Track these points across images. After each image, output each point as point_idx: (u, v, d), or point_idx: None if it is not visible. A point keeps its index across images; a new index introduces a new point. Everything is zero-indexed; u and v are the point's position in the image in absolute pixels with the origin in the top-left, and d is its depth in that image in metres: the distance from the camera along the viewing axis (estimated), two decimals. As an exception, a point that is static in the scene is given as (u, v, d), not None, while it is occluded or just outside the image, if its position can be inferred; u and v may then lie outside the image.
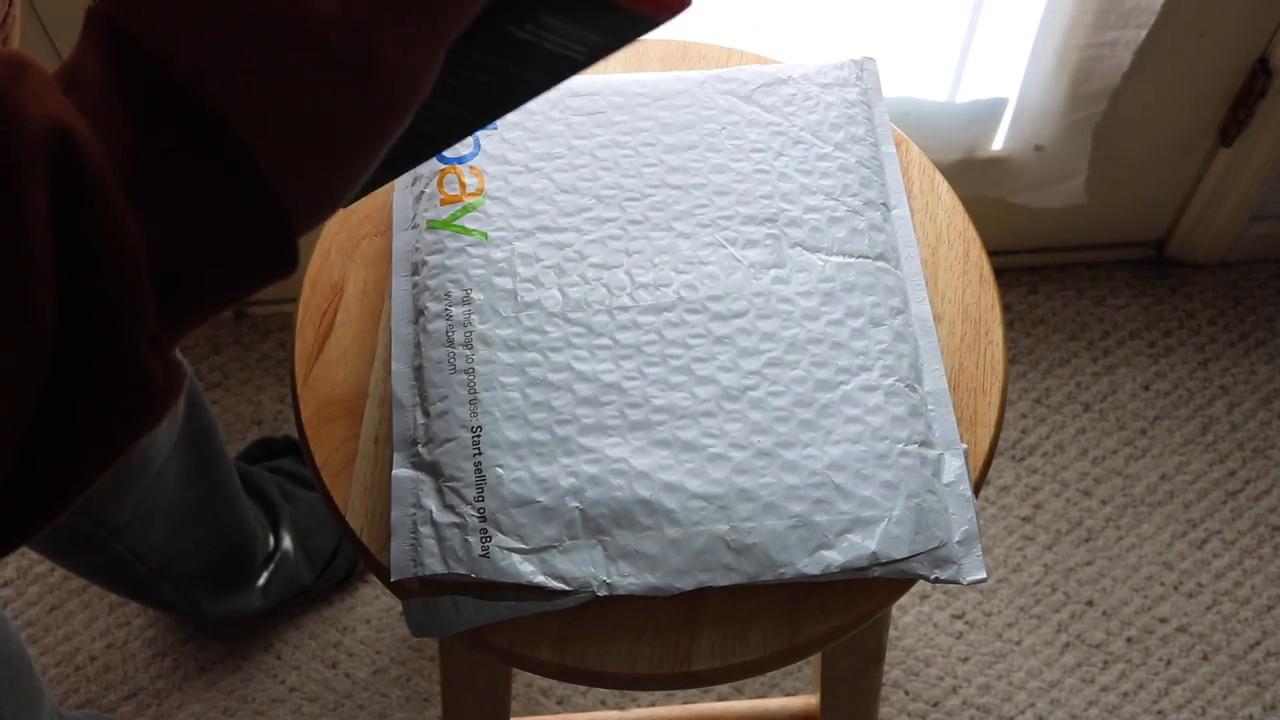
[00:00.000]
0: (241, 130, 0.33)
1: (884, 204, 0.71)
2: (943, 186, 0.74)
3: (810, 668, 1.18)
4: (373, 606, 1.26)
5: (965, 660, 1.24)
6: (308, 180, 0.35)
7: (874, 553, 0.60)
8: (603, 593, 0.59)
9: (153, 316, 0.33)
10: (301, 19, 0.34)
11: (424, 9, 0.36)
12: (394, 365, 0.65)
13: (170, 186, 0.33)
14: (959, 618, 1.26)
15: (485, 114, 0.47)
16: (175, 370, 0.35)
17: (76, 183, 0.31)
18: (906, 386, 0.64)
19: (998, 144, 1.26)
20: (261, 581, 1.18)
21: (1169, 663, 1.24)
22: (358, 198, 0.44)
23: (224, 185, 0.34)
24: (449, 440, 0.62)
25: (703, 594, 0.61)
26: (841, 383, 0.64)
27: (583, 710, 1.21)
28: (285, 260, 0.35)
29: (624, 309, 0.65)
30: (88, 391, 0.33)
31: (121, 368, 0.33)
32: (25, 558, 1.28)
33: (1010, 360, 1.38)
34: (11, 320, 0.31)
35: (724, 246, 0.67)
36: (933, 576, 0.60)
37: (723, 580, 0.59)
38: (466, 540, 0.59)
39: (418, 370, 0.64)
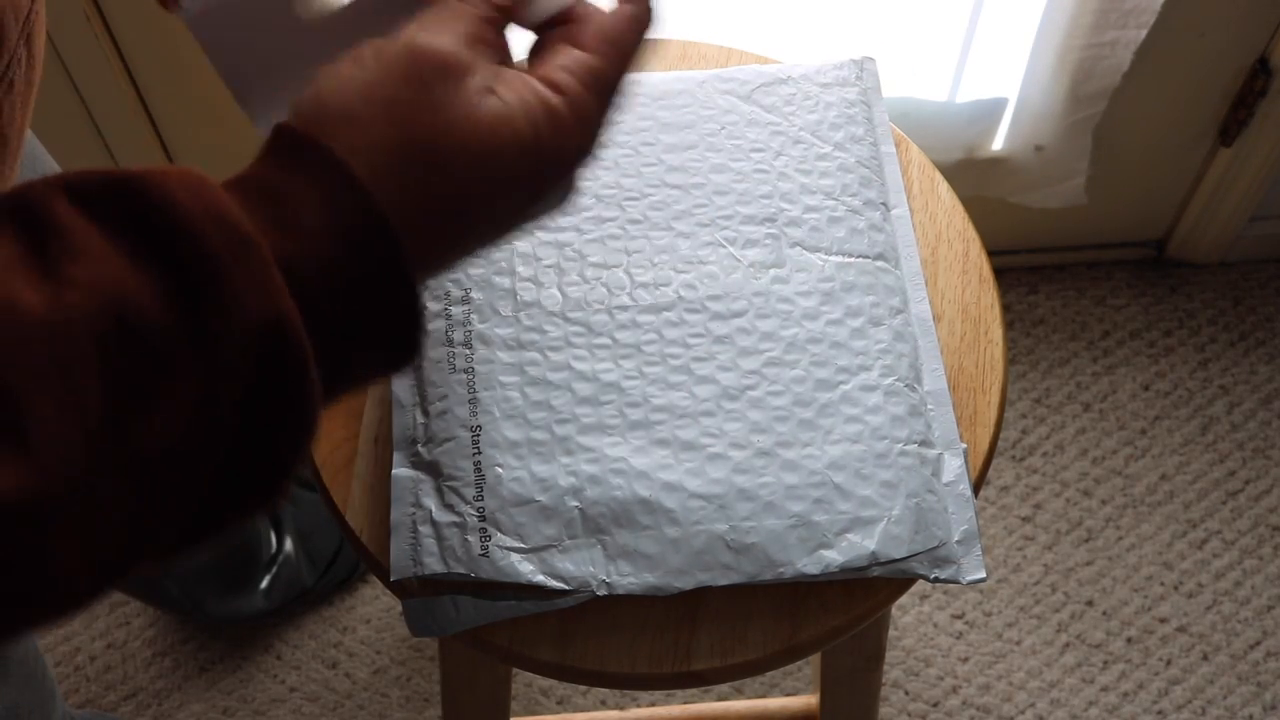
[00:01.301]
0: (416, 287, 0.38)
1: (884, 204, 0.71)
2: (943, 186, 0.74)
3: (810, 668, 1.18)
4: (373, 606, 1.26)
5: (965, 660, 1.24)
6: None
7: (873, 552, 0.60)
8: (602, 592, 0.59)
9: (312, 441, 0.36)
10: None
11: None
12: (394, 365, 0.65)
13: (352, 328, 0.37)
14: (959, 618, 1.26)
15: None
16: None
17: (282, 375, 0.34)
18: (906, 386, 0.64)
19: (998, 144, 1.26)
20: (264, 584, 1.18)
21: (1169, 663, 1.24)
22: None
23: (393, 328, 0.38)
24: (448, 439, 0.62)
25: (702, 594, 0.61)
26: (841, 382, 0.64)
27: (583, 710, 1.21)
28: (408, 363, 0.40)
29: (623, 308, 0.65)
30: (249, 489, 0.35)
31: (281, 481, 0.36)
32: (25, 558, 1.28)
33: (1010, 360, 1.38)
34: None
35: (723, 246, 0.67)
36: (932, 576, 0.60)
37: (722, 580, 0.59)
38: (466, 540, 0.59)
39: (417, 370, 0.64)
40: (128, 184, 0.32)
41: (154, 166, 0.34)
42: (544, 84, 0.41)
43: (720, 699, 1.20)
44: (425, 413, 0.63)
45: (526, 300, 0.65)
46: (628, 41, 0.43)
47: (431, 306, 0.65)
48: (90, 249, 0.31)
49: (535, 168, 0.41)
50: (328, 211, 0.35)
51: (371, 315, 0.37)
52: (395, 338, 0.38)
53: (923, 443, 0.63)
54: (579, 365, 0.63)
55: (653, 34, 0.45)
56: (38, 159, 0.75)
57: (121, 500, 0.31)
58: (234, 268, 0.32)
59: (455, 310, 0.65)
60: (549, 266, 0.66)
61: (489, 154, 0.39)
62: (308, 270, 0.35)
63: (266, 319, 0.33)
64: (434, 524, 0.60)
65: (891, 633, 1.24)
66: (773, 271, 0.67)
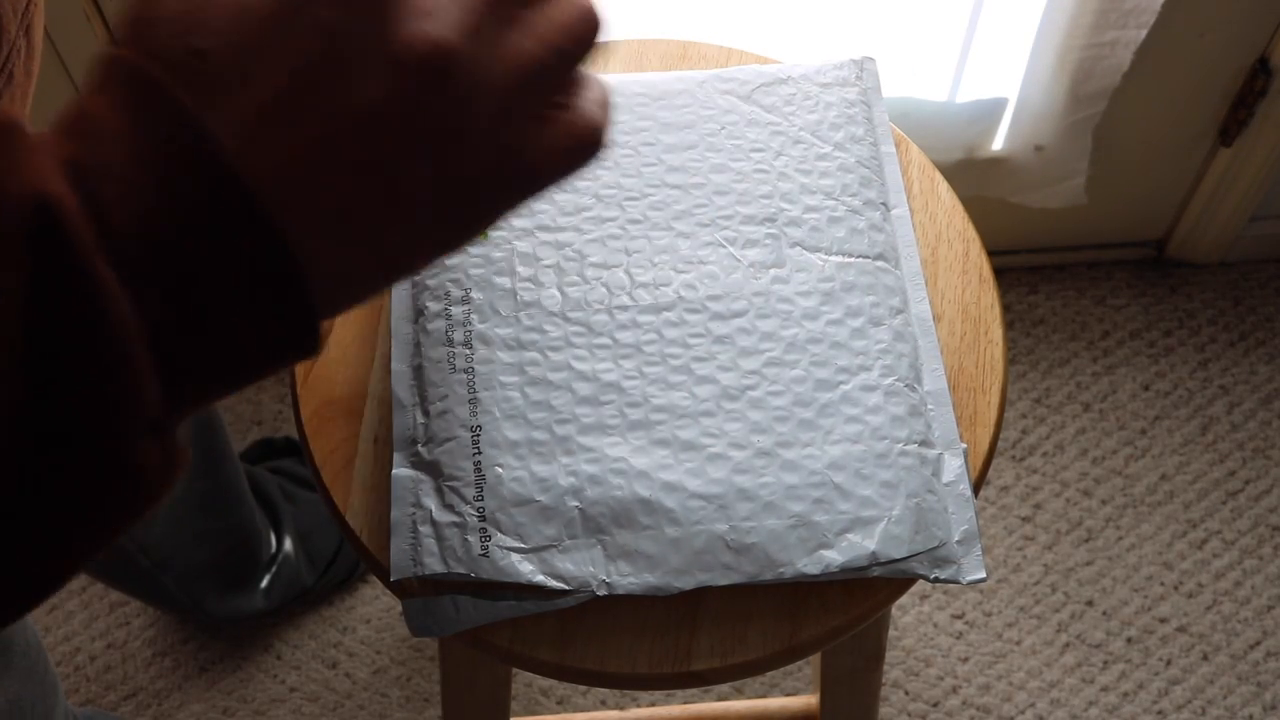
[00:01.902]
0: (285, 232, 0.31)
1: (884, 204, 0.71)
2: (943, 186, 0.74)
3: (810, 668, 1.18)
4: (373, 606, 1.26)
5: (965, 660, 1.24)
6: (343, 277, 0.33)
7: (874, 552, 0.60)
8: (602, 592, 0.59)
9: (152, 401, 0.30)
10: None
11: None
12: (394, 365, 0.65)
13: (184, 262, 0.30)
14: (959, 618, 1.26)
15: None
16: (175, 454, 0.32)
17: (58, 263, 0.28)
18: (906, 386, 0.64)
19: (998, 144, 1.26)
20: (264, 583, 1.18)
21: (1169, 663, 1.24)
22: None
23: (248, 273, 0.31)
24: (448, 440, 0.62)
25: (702, 594, 0.61)
26: (841, 382, 0.64)
27: (583, 710, 1.21)
28: (308, 347, 0.33)
29: (623, 308, 0.65)
30: (73, 482, 0.30)
31: (108, 458, 0.30)
32: (25, 558, 1.28)
33: (1010, 360, 1.38)
34: None
35: (723, 246, 0.67)
36: (932, 576, 0.60)
37: (722, 580, 0.59)
38: (466, 539, 0.59)
39: (417, 370, 0.64)
40: None
41: None
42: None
43: (720, 699, 1.20)
44: (425, 413, 0.63)
45: (526, 300, 0.65)
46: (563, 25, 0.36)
47: (432, 306, 0.65)
48: None
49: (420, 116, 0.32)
50: (128, 118, 0.30)
51: (208, 240, 0.30)
52: (265, 286, 0.31)
53: (923, 443, 0.63)
54: (579, 365, 0.63)
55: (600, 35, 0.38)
56: None
57: None
58: None
59: (455, 310, 0.65)
60: (549, 266, 0.66)
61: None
62: (99, 171, 0.29)
63: (27, 199, 0.28)
64: (434, 524, 0.60)
65: (891, 633, 1.24)
66: (773, 271, 0.67)
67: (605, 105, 0.39)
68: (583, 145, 0.39)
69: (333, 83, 0.32)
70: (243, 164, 0.30)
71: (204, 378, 0.32)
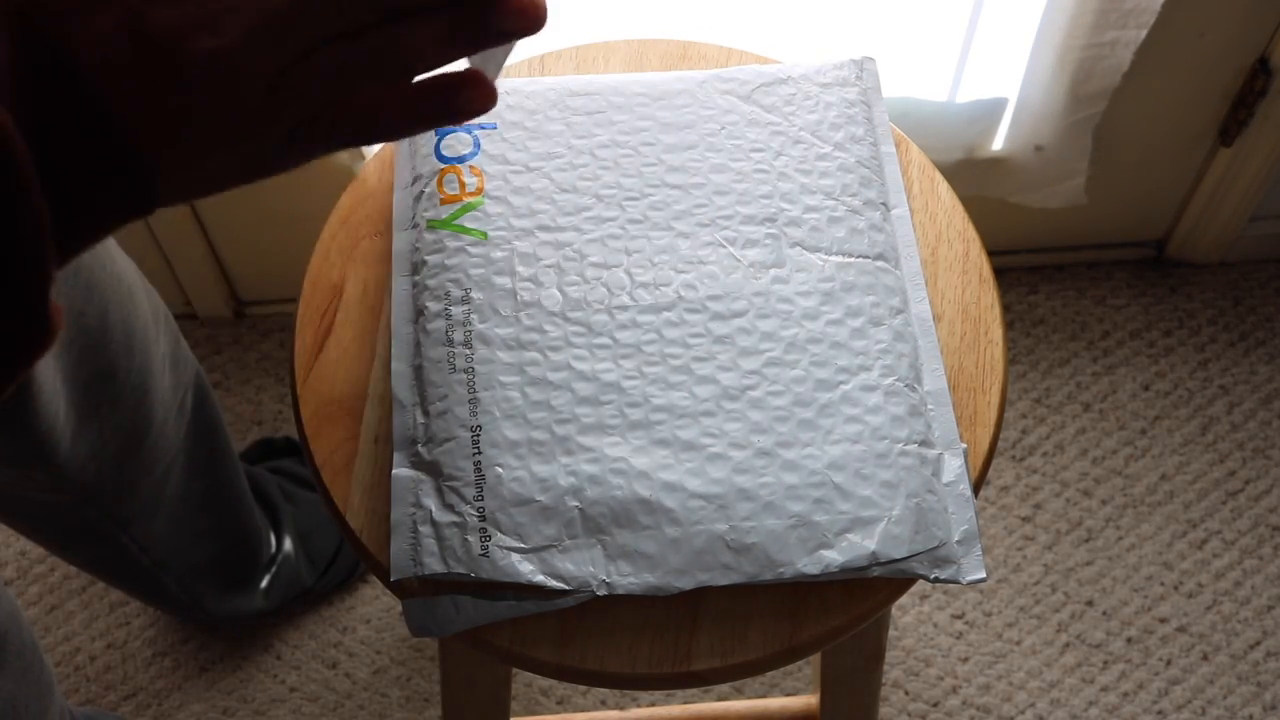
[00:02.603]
0: (130, 135, 0.39)
1: (884, 204, 0.71)
2: (943, 186, 0.74)
3: (810, 668, 1.18)
4: (373, 606, 1.26)
5: (965, 660, 1.24)
6: (185, 182, 0.42)
7: (874, 552, 0.60)
8: (602, 592, 0.59)
9: (54, 266, 0.38)
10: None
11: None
12: (394, 365, 0.65)
13: (65, 168, 0.38)
14: (959, 618, 1.26)
15: None
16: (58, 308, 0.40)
17: (4, 172, 0.35)
18: (906, 386, 0.64)
19: (998, 144, 1.26)
20: (264, 583, 1.18)
21: (1169, 663, 1.24)
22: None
23: (106, 172, 0.39)
24: (448, 440, 0.62)
25: (702, 594, 0.61)
26: (841, 382, 0.64)
27: (583, 710, 1.21)
28: (143, 206, 0.41)
29: (623, 308, 0.65)
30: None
31: (33, 313, 0.37)
32: (25, 558, 1.28)
33: (1010, 360, 1.38)
34: None
35: (723, 246, 0.67)
36: (932, 576, 0.60)
37: (722, 580, 0.59)
38: (466, 539, 0.60)
39: (417, 370, 0.64)
40: None
41: None
42: None
43: (720, 699, 1.20)
44: (425, 413, 0.63)
45: (526, 300, 0.65)
46: None
47: (431, 306, 0.65)
48: None
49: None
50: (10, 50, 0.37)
51: (67, 133, 0.38)
52: (105, 160, 0.38)
53: (923, 443, 0.63)
54: (579, 365, 0.63)
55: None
56: None
57: None
58: None
59: (455, 310, 0.65)
60: (549, 266, 0.66)
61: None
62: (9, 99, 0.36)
63: None
64: (434, 524, 0.60)
65: (891, 633, 1.24)
66: (773, 271, 0.67)
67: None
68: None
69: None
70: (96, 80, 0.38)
71: (75, 246, 0.40)
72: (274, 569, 1.18)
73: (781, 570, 0.60)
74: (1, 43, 0.37)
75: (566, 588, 0.59)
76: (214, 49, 0.39)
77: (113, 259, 0.84)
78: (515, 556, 0.59)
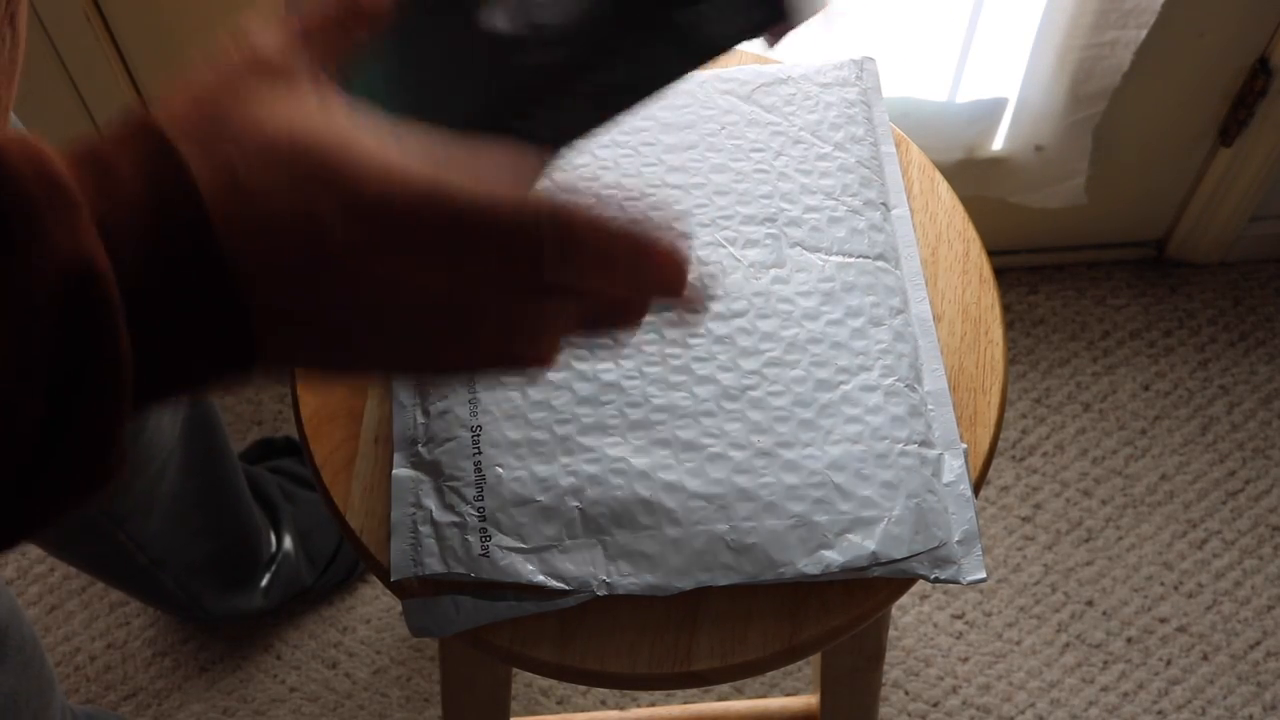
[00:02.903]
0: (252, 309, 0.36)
1: (884, 204, 0.71)
2: (943, 186, 0.74)
3: (810, 668, 1.18)
4: (373, 606, 1.26)
5: (965, 660, 1.24)
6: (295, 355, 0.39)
7: (874, 552, 0.60)
8: (602, 592, 0.59)
9: (129, 414, 0.35)
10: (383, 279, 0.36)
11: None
12: (394, 365, 0.65)
13: (169, 329, 0.35)
14: (959, 618, 1.26)
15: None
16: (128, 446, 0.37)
17: (89, 323, 0.33)
18: (906, 386, 0.64)
19: (998, 144, 1.26)
20: (264, 583, 1.18)
21: (1169, 663, 1.24)
22: None
23: (217, 340, 0.36)
24: (449, 440, 0.62)
25: (702, 594, 0.61)
26: (841, 382, 0.64)
27: (583, 710, 1.21)
28: (245, 365, 0.37)
29: (624, 309, 0.65)
30: (65, 464, 0.34)
31: (100, 454, 0.35)
32: (25, 557, 1.28)
33: (1010, 360, 1.38)
34: None
35: (724, 246, 0.67)
36: (932, 576, 0.60)
37: (722, 580, 0.59)
38: (466, 539, 0.59)
39: (417, 370, 0.64)
40: None
41: None
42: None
43: (720, 699, 1.20)
44: (426, 413, 0.63)
45: (527, 300, 0.65)
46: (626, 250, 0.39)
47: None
48: None
49: (448, 245, 0.37)
50: (144, 182, 0.34)
51: (187, 301, 0.35)
52: (218, 341, 0.36)
53: (923, 443, 0.63)
54: (579, 365, 0.63)
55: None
56: None
57: None
58: (45, 209, 0.32)
59: (455, 310, 0.65)
60: (549, 266, 0.66)
61: (381, 193, 0.36)
62: (121, 235, 0.34)
63: (75, 261, 0.32)
64: (434, 524, 0.60)
65: (891, 633, 1.24)
66: (773, 272, 0.67)
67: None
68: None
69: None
70: (227, 243, 0.35)
71: (161, 400, 0.37)
72: (274, 568, 1.18)
73: (782, 570, 0.60)
74: (143, 177, 0.35)
75: (567, 588, 0.59)
76: (385, 278, 0.36)
77: None
78: (515, 556, 0.59)
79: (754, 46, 0.50)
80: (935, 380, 0.66)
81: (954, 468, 0.63)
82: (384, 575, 0.62)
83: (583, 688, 1.22)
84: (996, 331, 0.69)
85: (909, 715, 1.22)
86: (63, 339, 0.32)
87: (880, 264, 0.68)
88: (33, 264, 0.32)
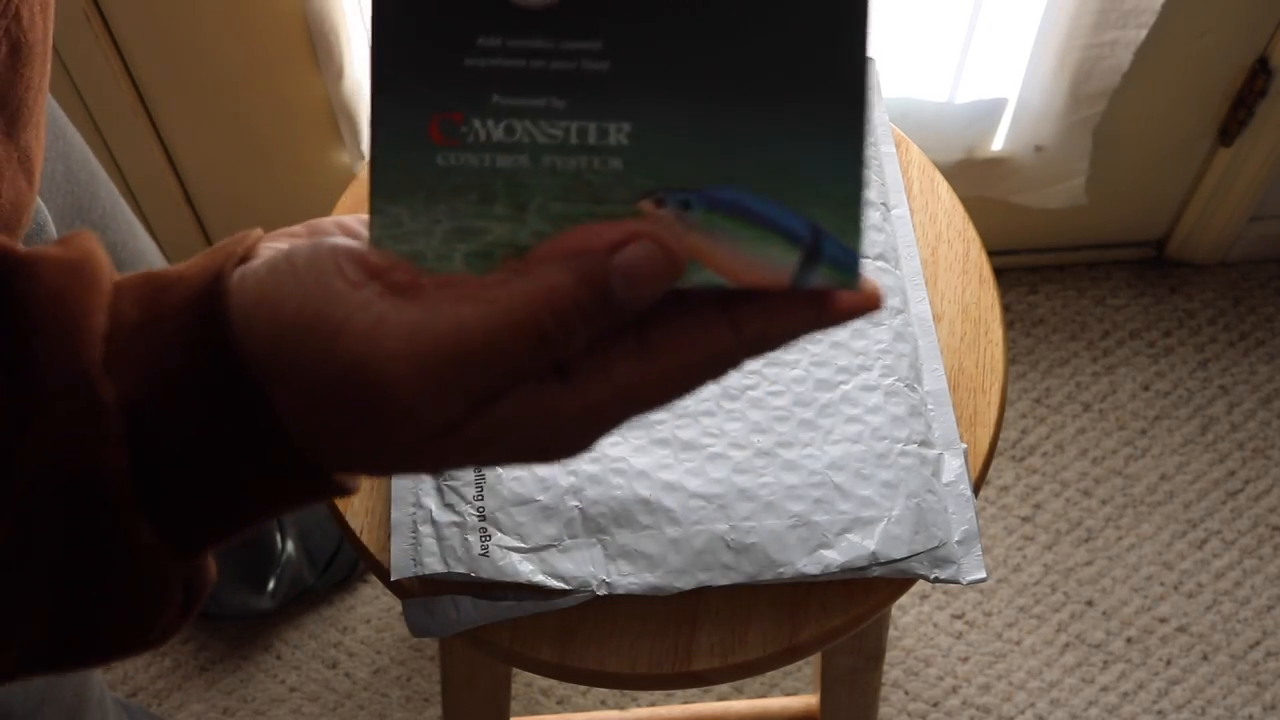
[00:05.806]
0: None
1: (883, 204, 0.71)
2: (943, 186, 0.74)
3: (810, 668, 1.18)
4: (373, 606, 1.26)
5: (965, 660, 1.24)
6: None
7: (874, 552, 0.60)
8: (602, 592, 0.59)
9: (171, 600, 0.34)
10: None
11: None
12: (394, 365, 0.65)
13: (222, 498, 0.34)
14: (959, 618, 1.26)
15: None
16: (202, 582, 0.36)
17: (94, 536, 0.32)
18: (906, 386, 0.64)
19: (998, 144, 1.26)
20: (271, 584, 1.18)
21: (1169, 663, 1.24)
22: None
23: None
24: (449, 440, 0.62)
25: (702, 594, 0.61)
26: (841, 382, 0.64)
27: (583, 710, 1.21)
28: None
29: (624, 309, 0.65)
30: (105, 607, 0.34)
31: (132, 637, 0.35)
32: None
33: (1010, 360, 1.38)
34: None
35: (724, 246, 0.67)
36: (932, 576, 0.60)
37: (722, 580, 0.59)
38: (466, 539, 0.59)
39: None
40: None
41: (48, 254, 0.32)
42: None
43: (720, 699, 1.20)
44: (425, 413, 0.63)
45: (526, 300, 0.65)
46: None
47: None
48: None
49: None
50: (193, 361, 0.32)
51: (239, 457, 0.33)
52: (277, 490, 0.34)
53: (923, 443, 0.63)
54: (579, 365, 0.63)
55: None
56: (62, 130, 0.75)
57: None
58: (60, 405, 0.31)
59: (455, 310, 0.65)
60: (549, 266, 0.66)
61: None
62: (160, 416, 0.32)
63: (76, 476, 0.31)
64: (434, 524, 0.60)
65: (891, 633, 1.24)
66: (773, 271, 0.67)
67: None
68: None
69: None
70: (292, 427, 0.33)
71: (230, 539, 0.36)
72: (278, 568, 1.19)
73: (781, 570, 0.59)
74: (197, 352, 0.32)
75: (566, 587, 0.59)
76: (435, 423, 0.33)
77: (135, 236, 0.85)
78: (515, 556, 0.59)
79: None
80: (935, 380, 0.66)
81: (954, 467, 0.63)
82: (384, 575, 0.62)
83: (583, 688, 1.22)
84: (996, 331, 0.69)
85: (909, 715, 1.22)
86: (72, 539, 0.32)
87: (880, 264, 0.68)
88: (33, 464, 0.31)
